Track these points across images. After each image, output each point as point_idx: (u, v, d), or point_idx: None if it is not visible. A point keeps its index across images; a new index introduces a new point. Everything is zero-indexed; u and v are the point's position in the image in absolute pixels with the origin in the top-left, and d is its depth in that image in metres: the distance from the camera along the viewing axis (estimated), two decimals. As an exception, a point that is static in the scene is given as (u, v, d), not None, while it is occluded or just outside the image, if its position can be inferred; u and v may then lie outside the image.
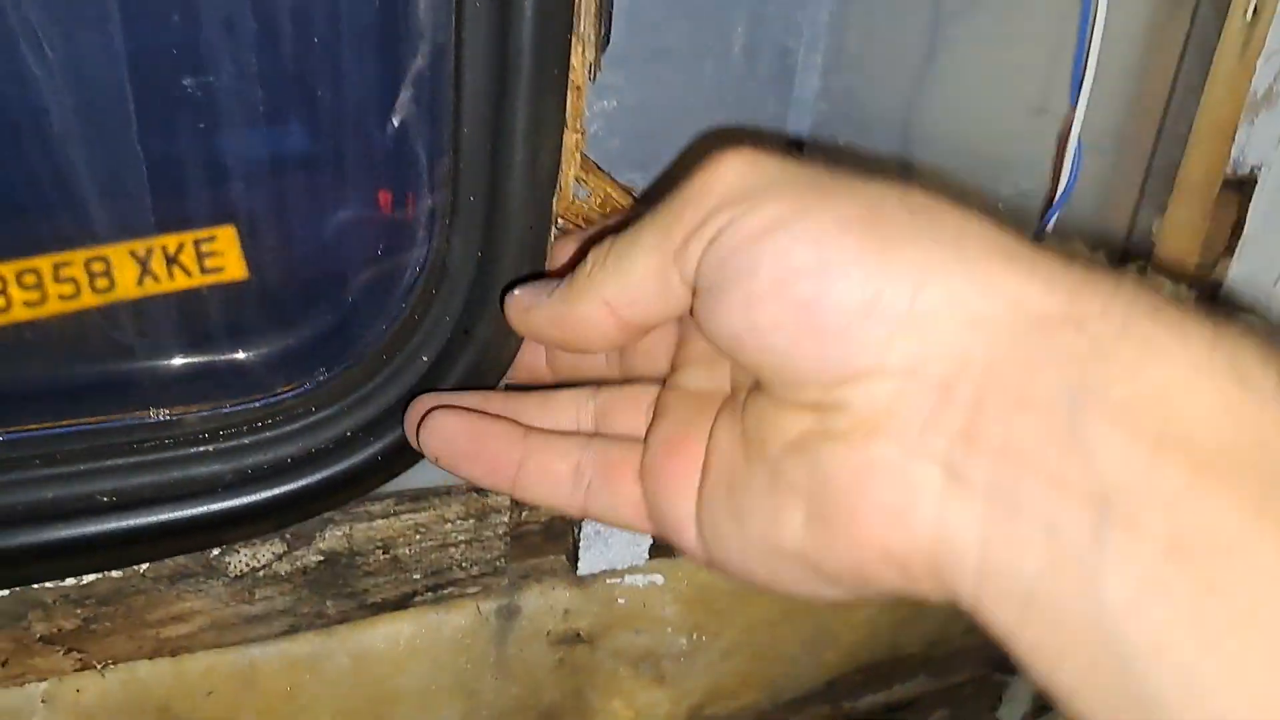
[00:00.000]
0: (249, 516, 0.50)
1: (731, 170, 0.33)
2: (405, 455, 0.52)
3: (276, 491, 0.50)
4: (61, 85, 0.43)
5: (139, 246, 0.48)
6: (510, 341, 0.50)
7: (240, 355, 0.51)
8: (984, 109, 0.63)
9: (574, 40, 0.48)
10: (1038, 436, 0.27)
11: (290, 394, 0.51)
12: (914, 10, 0.57)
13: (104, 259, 0.48)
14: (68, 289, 0.47)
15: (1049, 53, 0.63)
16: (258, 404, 0.51)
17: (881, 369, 0.29)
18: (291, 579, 0.53)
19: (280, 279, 0.51)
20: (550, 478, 0.41)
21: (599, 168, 0.53)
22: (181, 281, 0.49)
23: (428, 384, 0.51)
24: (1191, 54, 0.68)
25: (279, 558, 0.52)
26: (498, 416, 0.44)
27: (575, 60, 0.48)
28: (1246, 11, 0.67)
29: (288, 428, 0.51)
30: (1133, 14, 0.65)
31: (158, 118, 0.45)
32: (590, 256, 0.37)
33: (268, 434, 0.50)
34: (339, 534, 0.53)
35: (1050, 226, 0.62)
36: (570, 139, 0.50)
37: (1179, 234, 0.73)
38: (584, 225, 0.53)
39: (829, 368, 0.30)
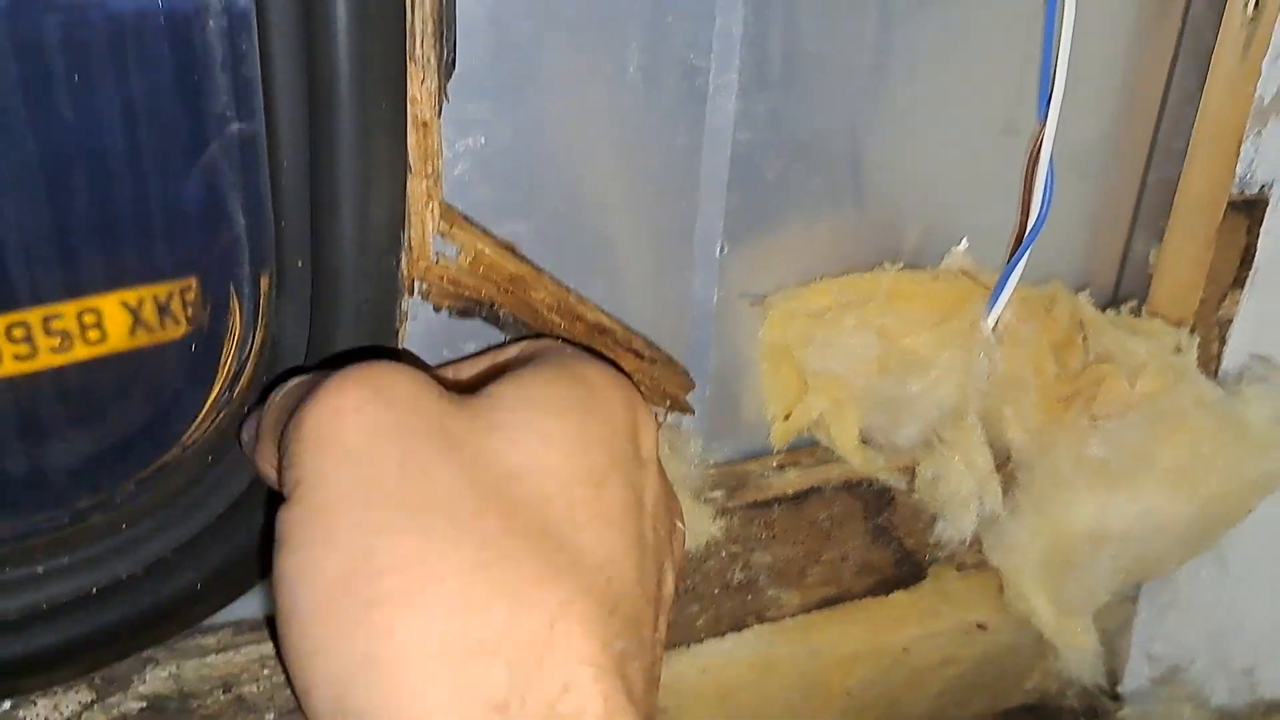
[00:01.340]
0: (45, 662, 0.41)
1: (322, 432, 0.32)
2: (238, 576, 0.43)
3: (78, 631, 0.41)
4: None
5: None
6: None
7: (33, 462, 0.42)
8: (943, 129, 0.53)
9: (411, 66, 0.39)
10: None
11: (93, 509, 0.42)
12: (852, 15, 0.48)
13: None
14: None
15: (1017, 61, 0.53)
16: (53, 523, 0.42)
17: None
18: (108, 732, 0.44)
19: (80, 368, 0.42)
20: None
21: (467, 220, 0.43)
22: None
23: (260, 491, 0.42)
24: (1185, 58, 0.59)
25: (88, 707, 0.43)
26: None
27: (415, 90, 0.39)
28: (1247, 6, 0.58)
29: (90, 551, 0.42)
30: (1114, 14, 0.56)
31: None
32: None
33: (66, 560, 0.41)
34: (164, 675, 0.44)
35: (1023, 263, 0.53)
36: (419, 187, 0.41)
37: (1179, 264, 0.64)
38: (455, 289, 0.44)
39: None
